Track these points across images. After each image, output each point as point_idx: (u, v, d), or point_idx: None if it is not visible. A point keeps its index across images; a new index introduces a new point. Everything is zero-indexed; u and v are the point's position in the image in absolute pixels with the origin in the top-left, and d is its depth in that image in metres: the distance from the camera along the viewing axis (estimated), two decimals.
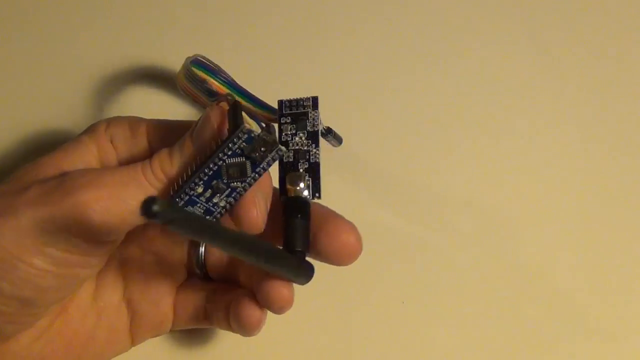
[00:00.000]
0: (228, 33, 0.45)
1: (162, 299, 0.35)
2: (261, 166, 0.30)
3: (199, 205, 0.30)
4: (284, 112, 0.34)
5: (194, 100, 0.35)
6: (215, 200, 0.30)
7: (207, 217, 0.30)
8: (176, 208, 0.27)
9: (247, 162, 0.29)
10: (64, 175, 0.30)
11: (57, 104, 0.42)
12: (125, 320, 0.35)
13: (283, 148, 0.30)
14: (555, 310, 0.38)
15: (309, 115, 0.33)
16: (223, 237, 0.26)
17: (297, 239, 0.31)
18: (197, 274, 0.35)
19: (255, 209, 0.30)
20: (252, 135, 0.29)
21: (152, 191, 0.30)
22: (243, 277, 0.34)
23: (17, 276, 0.29)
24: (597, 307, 0.39)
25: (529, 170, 0.41)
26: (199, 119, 0.31)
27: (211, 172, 0.29)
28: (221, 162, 0.29)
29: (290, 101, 0.34)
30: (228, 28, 0.45)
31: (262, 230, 0.30)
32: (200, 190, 0.29)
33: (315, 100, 0.34)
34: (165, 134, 0.32)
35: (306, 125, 0.33)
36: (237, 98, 0.33)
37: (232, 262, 0.35)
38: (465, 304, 0.39)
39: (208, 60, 0.35)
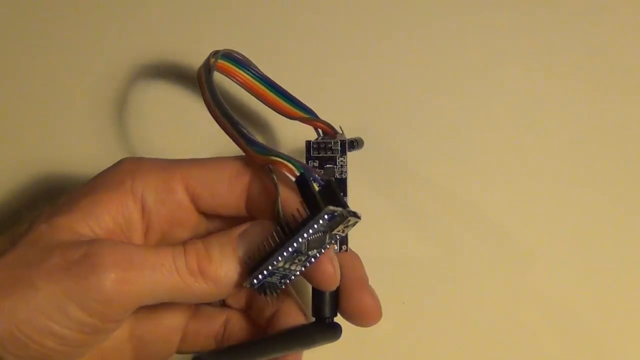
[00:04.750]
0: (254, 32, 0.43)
1: (173, 333, 0.34)
2: (341, 235, 0.30)
3: (276, 274, 0.30)
4: (311, 154, 0.33)
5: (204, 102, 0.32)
6: (292, 267, 0.30)
7: (283, 280, 0.30)
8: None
9: (327, 234, 0.29)
10: (89, 246, 0.28)
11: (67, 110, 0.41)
12: (128, 357, 0.34)
13: (360, 217, 0.29)
14: (554, 309, 0.39)
15: (337, 160, 0.33)
16: (267, 352, 0.29)
17: (324, 308, 0.32)
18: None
19: (331, 264, 0.30)
20: (335, 214, 0.28)
21: (181, 283, 0.29)
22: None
23: (27, 354, 0.28)
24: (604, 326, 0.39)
25: (530, 177, 0.41)
26: (246, 229, 0.30)
27: (293, 251, 0.29)
28: (303, 240, 0.28)
29: (318, 143, 0.33)
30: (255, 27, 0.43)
31: (337, 286, 0.31)
32: (280, 265, 0.29)
33: (343, 144, 0.33)
34: (207, 180, 0.31)
35: (334, 172, 0.33)
36: (270, 94, 0.33)
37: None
38: (465, 303, 0.39)
39: (240, 53, 0.33)
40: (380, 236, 0.40)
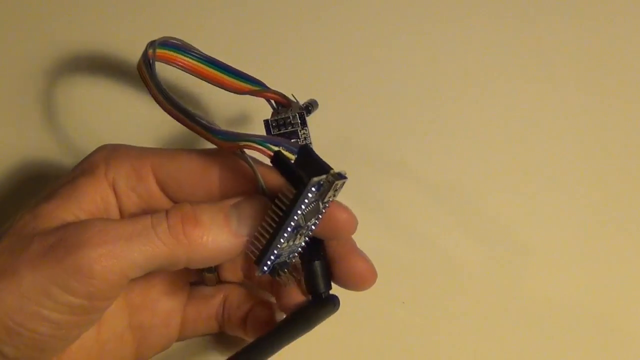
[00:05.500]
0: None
1: (172, 318, 0.34)
2: (332, 199, 0.30)
3: (284, 255, 0.29)
4: (272, 133, 0.33)
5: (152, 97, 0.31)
6: (296, 241, 0.29)
7: (291, 255, 0.30)
8: None
9: (319, 202, 0.29)
10: (64, 230, 0.28)
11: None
12: (130, 347, 0.34)
13: (347, 176, 0.29)
14: (554, 309, 0.39)
15: (299, 134, 0.33)
16: (278, 345, 0.30)
17: (319, 283, 0.31)
18: (205, 280, 0.35)
19: (342, 210, 0.30)
20: (321, 182, 0.28)
21: (163, 249, 0.28)
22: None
23: (21, 342, 0.28)
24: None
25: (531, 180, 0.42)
26: (239, 201, 0.30)
27: (293, 229, 0.28)
28: (298, 217, 0.28)
29: (276, 120, 0.33)
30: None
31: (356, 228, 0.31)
32: (284, 245, 0.29)
33: (302, 116, 0.33)
34: (174, 172, 0.31)
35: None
36: (216, 73, 0.32)
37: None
38: (466, 303, 0.39)
39: (180, 40, 0.32)
40: (381, 234, 0.40)
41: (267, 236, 0.28)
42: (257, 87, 0.33)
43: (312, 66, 0.43)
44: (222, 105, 0.41)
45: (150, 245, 0.28)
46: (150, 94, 0.30)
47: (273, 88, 0.33)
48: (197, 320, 0.35)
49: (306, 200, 0.28)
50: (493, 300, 0.39)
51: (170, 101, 0.30)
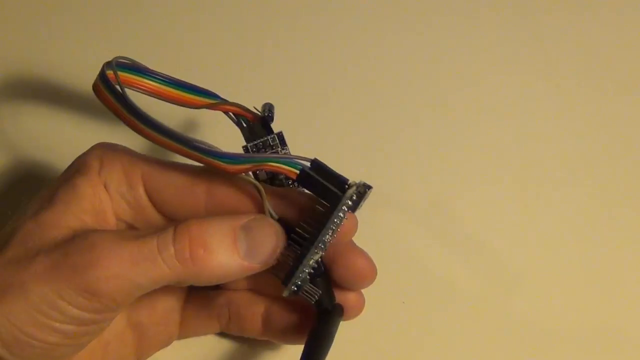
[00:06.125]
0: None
1: (170, 317, 0.34)
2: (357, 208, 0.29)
3: (306, 270, 0.29)
4: None
5: (115, 115, 0.29)
6: (318, 255, 0.29)
7: (308, 269, 0.30)
8: None
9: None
10: (68, 246, 0.28)
11: None
12: (131, 345, 0.34)
13: (371, 185, 0.29)
14: (555, 312, 0.39)
15: (280, 154, 0.32)
16: None
17: (324, 298, 0.31)
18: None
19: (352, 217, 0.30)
20: (354, 197, 0.28)
21: (168, 272, 0.28)
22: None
23: (33, 352, 0.28)
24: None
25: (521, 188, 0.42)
26: (249, 222, 0.29)
27: (323, 245, 0.29)
28: (331, 231, 0.28)
29: (255, 145, 0.32)
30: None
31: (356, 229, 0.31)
32: (311, 262, 0.29)
33: (280, 136, 0.32)
34: (166, 186, 0.30)
35: None
36: (174, 91, 0.31)
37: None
38: (465, 303, 0.39)
39: (132, 60, 0.30)
40: (381, 235, 0.40)
41: (295, 256, 0.28)
42: (215, 101, 0.32)
43: (285, 78, 0.43)
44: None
45: (157, 270, 0.28)
46: (129, 125, 0.28)
47: (231, 100, 0.32)
48: (197, 320, 0.35)
49: (340, 214, 0.28)
50: (492, 301, 0.39)
51: (160, 130, 0.28)
